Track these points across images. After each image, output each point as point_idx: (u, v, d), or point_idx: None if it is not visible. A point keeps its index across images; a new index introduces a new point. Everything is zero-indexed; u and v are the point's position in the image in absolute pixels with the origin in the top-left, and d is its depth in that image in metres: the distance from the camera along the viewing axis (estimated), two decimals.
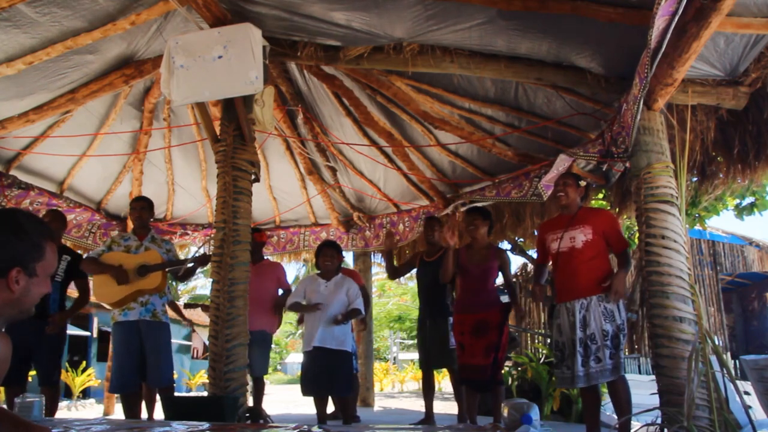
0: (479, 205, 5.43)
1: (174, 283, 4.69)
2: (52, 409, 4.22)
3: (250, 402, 4.42)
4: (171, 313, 4.60)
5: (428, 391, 4.85)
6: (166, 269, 4.28)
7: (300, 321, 4.83)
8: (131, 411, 4.19)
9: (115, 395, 7.16)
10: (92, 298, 4.51)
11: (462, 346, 4.17)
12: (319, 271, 4.62)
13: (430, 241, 4.90)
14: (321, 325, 4.34)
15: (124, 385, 4.14)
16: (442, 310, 4.64)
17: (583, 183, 3.71)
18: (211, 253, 4.21)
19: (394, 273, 5.12)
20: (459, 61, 3.95)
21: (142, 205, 4.39)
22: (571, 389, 5.25)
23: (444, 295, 4.70)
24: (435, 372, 5.19)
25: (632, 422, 3.67)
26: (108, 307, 4.26)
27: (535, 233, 6.52)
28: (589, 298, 3.41)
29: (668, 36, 2.76)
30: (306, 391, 4.44)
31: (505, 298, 4.49)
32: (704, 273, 11.26)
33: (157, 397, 4.33)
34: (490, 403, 4.34)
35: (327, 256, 4.55)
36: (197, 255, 4.48)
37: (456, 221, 4.94)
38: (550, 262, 3.78)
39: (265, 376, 5.18)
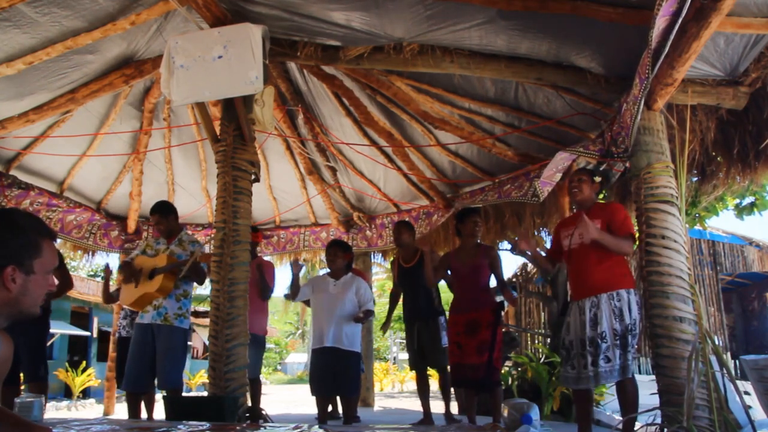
0: (474, 205, 5.46)
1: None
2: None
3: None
4: None
5: (424, 391, 4.85)
6: (176, 270, 4.26)
7: (292, 295, 4.80)
8: (134, 411, 4.20)
9: (115, 395, 7.19)
10: (93, 298, 4.55)
11: (459, 346, 4.16)
12: (329, 270, 4.64)
13: (401, 245, 4.94)
14: (332, 324, 4.34)
15: (136, 384, 4.17)
16: (431, 311, 4.66)
17: (597, 179, 3.57)
18: (204, 253, 4.25)
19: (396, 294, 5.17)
20: (459, 61, 3.95)
21: (156, 220, 4.38)
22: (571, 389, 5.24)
23: (431, 295, 4.71)
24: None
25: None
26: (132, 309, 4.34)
27: (536, 233, 6.52)
28: (599, 296, 3.30)
29: (671, 37, 2.75)
30: (315, 392, 4.45)
31: (502, 298, 4.49)
32: (704, 273, 11.25)
33: (157, 397, 4.34)
34: (489, 404, 4.34)
35: (330, 255, 4.57)
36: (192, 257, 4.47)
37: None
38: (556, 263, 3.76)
39: (264, 376, 5.17)
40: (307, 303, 4.84)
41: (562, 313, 3.64)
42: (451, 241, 6.78)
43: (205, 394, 4.19)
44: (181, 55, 3.65)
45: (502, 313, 4.30)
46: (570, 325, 3.47)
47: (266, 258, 7.84)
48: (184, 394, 4.73)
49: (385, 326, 5.56)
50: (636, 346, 3.29)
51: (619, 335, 3.22)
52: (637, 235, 3.49)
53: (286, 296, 5.09)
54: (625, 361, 3.21)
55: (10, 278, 1.38)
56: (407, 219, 6.49)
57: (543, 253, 3.75)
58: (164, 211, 4.40)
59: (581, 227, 3.29)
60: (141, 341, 4.16)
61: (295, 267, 4.69)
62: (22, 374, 4.13)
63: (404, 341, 5.33)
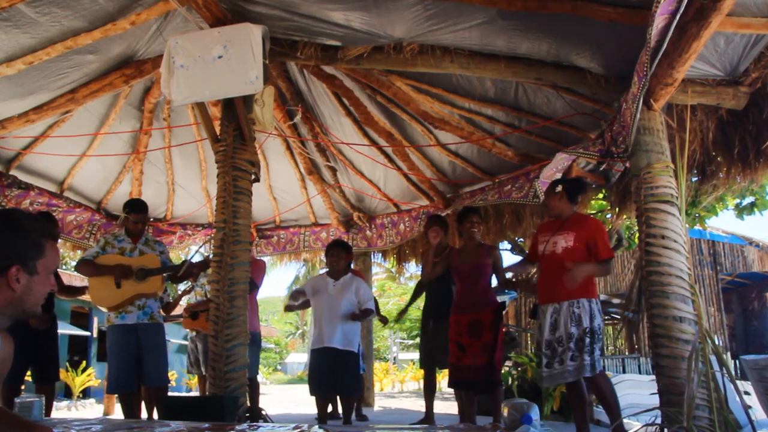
0: (474, 205, 5.46)
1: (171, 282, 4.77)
2: (48, 408, 4.24)
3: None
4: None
5: (430, 391, 4.86)
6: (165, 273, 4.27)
7: (289, 308, 4.90)
8: (130, 411, 4.20)
9: (115, 395, 7.18)
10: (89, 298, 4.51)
11: (461, 347, 4.16)
12: (328, 270, 4.64)
13: (431, 241, 4.92)
14: (331, 324, 4.36)
15: (123, 385, 4.15)
16: (446, 311, 4.66)
17: (559, 188, 3.67)
18: (210, 255, 4.22)
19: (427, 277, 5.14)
20: (459, 61, 3.95)
21: (143, 218, 4.34)
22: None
23: (450, 296, 4.71)
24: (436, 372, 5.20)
25: (632, 422, 3.68)
26: (104, 310, 4.26)
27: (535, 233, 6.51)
28: (561, 304, 3.46)
29: (669, 35, 2.75)
30: (314, 391, 4.46)
31: (503, 298, 4.51)
32: (704, 273, 11.27)
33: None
34: (489, 404, 4.34)
35: (334, 256, 4.58)
36: (194, 259, 4.46)
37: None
38: (535, 265, 3.89)
39: (264, 376, 5.19)
40: (307, 303, 4.84)
41: (532, 315, 3.75)
42: (451, 241, 6.78)
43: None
44: (181, 55, 3.65)
45: (503, 314, 4.32)
46: (540, 328, 3.61)
47: (265, 258, 7.86)
48: (184, 394, 4.75)
49: (401, 314, 5.54)
50: (601, 350, 3.41)
51: (574, 338, 3.37)
52: (636, 235, 3.51)
53: (287, 308, 5.07)
54: (580, 363, 3.34)
55: (14, 278, 1.40)
56: (438, 214, 6.38)
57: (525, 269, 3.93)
58: (147, 210, 4.45)
59: (568, 281, 3.37)
60: (125, 342, 4.12)
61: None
62: (38, 376, 4.21)
63: (404, 341, 5.34)
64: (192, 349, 5.80)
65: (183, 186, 7.08)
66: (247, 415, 3.71)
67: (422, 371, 5.08)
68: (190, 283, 5.74)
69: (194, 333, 5.70)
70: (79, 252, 6.83)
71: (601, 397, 3.46)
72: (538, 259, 3.77)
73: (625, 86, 3.61)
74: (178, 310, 5.93)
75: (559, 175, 4.84)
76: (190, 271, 4.31)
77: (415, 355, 27.11)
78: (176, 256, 7.68)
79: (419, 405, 4.89)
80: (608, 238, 3.69)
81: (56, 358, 4.34)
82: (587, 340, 3.36)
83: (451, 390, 4.92)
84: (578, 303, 3.42)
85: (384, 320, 6.36)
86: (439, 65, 4.01)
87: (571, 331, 3.38)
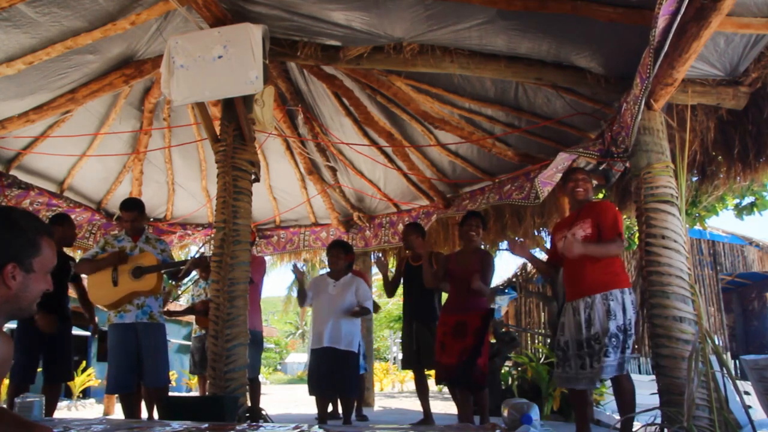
0: (476, 208, 5.46)
1: (173, 282, 4.71)
2: (53, 408, 4.25)
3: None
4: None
5: (423, 391, 4.86)
6: (162, 270, 4.27)
7: (301, 302, 4.88)
8: (130, 411, 4.20)
9: (115, 395, 7.18)
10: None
11: (443, 346, 4.18)
12: (329, 270, 4.66)
13: (411, 247, 4.95)
14: (331, 324, 4.37)
15: (122, 385, 4.15)
16: (432, 313, 4.66)
17: (594, 182, 3.66)
18: (209, 254, 4.21)
19: (391, 290, 5.19)
20: (459, 61, 3.95)
21: (133, 217, 4.30)
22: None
23: (432, 298, 4.72)
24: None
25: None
26: (103, 308, 4.26)
27: (536, 233, 6.53)
28: (593, 297, 3.31)
29: (670, 36, 2.75)
30: (313, 391, 4.48)
31: (503, 299, 4.50)
32: (704, 273, 11.26)
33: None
34: (476, 407, 4.32)
35: (333, 256, 4.61)
36: (195, 256, 4.46)
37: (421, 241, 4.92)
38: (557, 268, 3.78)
39: (264, 376, 5.19)
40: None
41: (559, 314, 3.63)
42: (451, 241, 6.78)
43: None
44: (181, 55, 3.65)
45: (501, 316, 4.31)
46: (564, 326, 3.48)
47: (266, 257, 7.85)
48: (184, 394, 4.75)
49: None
50: (631, 346, 3.28)
51: (613, 335, 3.22)
52: (636, 235, 3.48)
53: (300, 305, 5.08)
54: (617, 359, 3.22)
55: (10, 276, 1.40)
56: (417, 221, 6.47)
57: (542, 255, 3.76)
58: (142, 208, 4.43)
59: (566, 246, 3.32)
60: (124, 341, 4.11)
61: (297, 273, 4.71)
62: (51, 374, 4.25)
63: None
64: (197, 348, 5.72)
65: (183, 186, 7.09)
66: (247, 415, 3.71)
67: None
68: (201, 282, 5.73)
69: (203, 331, 5.65)
70: (79, 252, 6.82)
71: (621, 396, 3.32)
72: (558, 258, 3.67)
73: (625, 86, 3.61)
74: (177, 308, 5.92)
75: (559, 175, 4.84)
76: (188, 270, 4.31)
77: None
78: (176, 256, 7.68)
79: (419, 405, 4.89)
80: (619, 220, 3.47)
81: (69, 358, 4.37)
82: (622, 336, 3.22)
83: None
84: (611, 295, 3.27)
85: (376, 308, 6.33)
86: (439, 65, 4.01)
87: (607, 327, 3.22)
